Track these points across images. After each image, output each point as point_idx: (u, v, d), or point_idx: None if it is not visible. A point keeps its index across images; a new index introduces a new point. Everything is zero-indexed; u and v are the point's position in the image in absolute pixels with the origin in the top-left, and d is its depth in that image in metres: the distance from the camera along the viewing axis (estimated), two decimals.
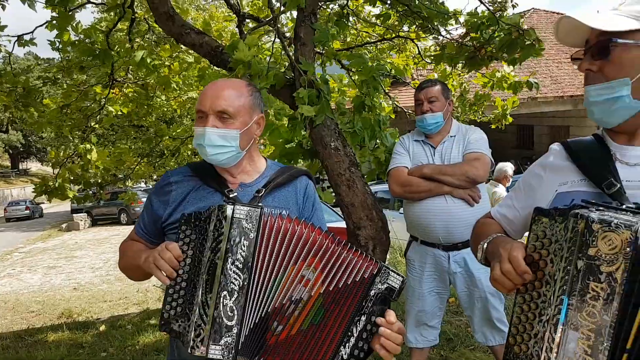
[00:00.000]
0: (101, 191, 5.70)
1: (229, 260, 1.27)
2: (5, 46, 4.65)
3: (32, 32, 4.53)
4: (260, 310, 1.30)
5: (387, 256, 7.04)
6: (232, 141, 1.50)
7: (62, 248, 16.27)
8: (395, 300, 1.30)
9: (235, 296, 1.26)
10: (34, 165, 54.74)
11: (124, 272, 1.66)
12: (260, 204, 1.40)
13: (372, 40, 4.60)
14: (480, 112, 5.18)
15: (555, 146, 1.33)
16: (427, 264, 2.89)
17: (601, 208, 1.02)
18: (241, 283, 1.28)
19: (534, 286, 1.08)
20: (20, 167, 52.12)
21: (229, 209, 1.29)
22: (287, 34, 4.17)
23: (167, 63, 5.34)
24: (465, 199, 2.74)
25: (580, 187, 1.20)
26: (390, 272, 1.30)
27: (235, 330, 1.26)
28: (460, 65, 3.80)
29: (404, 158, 2.93)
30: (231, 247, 1.28)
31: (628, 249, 0.92)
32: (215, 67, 3.99)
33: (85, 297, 8.60)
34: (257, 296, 1.30)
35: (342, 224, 3.44)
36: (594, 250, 0.95)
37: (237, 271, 1.27)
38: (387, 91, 5.19)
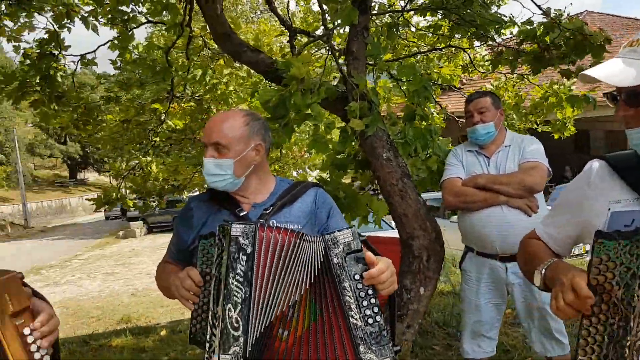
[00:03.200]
0: (160, 200, 5.97)
1: (230, 275, 1.35)
2: (68, 65, 4.79)
3: (94, 51, 4.74)
4: (264, 320, 1.36)
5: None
6: (227, 169, 1.63)
7: (119, 255, 16.80)
8: (365, 247, 1.39)
9: (239, 308, 1.34)
10: (91, 175, 56.86)
11: (161, 291, 1.77)
12: (261, 220, 1.55)
13: (422, 50, 4.61)
14: (539, 121, 5.03)
15: (596, 162, 1.34)
16: (484, 275, 2.85)
17: None
18: (243, 296, 1.35)
19: (600, 309, 1.08)
20: (78, 177, 54.39)
21: (230, 228, 1.38)
22: (337, 47, 4.25)
23: (223, 80, 5.53)
24: (522, 208, 2.71)
25: (636, 207, 1.21)
26: (335, 234, 1.38)
27: (242, 340, 1.32)
28: (515, 75, 3.75)
29: (457, 169, 2.92)
30: (231, 263, 1.36)
31: None
32: (269, 83, 4.11)
33: (144, 302, 8.86)
34: (259, 306, 1.36)
35: (395, 233, 3.45)
36: None
37: (239, 285, 1.35)
38: (437, 100, 5.19)
